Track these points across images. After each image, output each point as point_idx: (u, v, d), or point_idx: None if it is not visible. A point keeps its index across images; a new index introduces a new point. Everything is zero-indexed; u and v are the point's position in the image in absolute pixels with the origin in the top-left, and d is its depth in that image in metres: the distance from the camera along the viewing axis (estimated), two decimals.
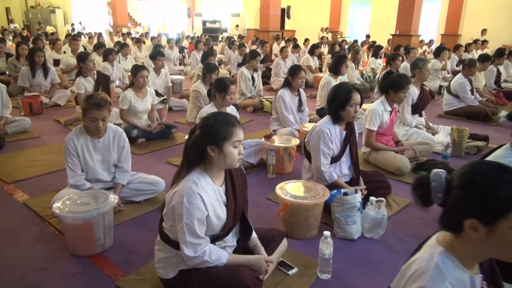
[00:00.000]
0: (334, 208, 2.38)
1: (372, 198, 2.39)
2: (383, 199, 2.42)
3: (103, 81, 5.03)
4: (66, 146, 2.56)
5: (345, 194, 2.40)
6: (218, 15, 22.18)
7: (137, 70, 4.07)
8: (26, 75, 5.62)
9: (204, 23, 21.45)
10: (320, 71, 9.07)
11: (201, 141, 1.68)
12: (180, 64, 10.77)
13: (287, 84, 4.27)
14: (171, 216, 1.70)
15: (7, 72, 7.01)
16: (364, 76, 8.19)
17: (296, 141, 3.48)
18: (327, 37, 15.87)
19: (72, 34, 15.43)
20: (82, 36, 14.21)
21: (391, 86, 3.48)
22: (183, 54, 11.74)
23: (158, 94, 4.98)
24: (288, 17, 20.51)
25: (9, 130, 4.35)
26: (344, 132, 2.72)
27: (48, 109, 5.63)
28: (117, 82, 6.65)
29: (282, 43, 12.86)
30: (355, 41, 14.97)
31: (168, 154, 3.94)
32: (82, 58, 4.81)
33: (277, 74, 7.73)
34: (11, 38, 13.14)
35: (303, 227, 2.36)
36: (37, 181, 3.18)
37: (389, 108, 3.56)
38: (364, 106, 4.91)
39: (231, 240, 1.87)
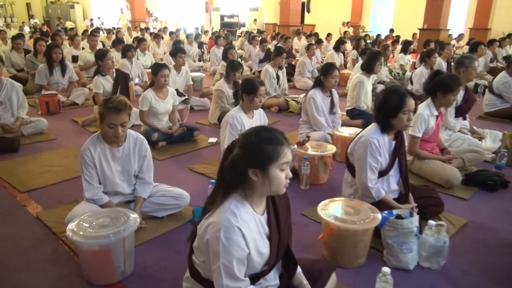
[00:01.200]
0: (386, 233, 2.06)
1: (431, 222, 2.06)
2: (443, 223, 2.07)
3: (122, 80, 4.79)
4: (82, 156, 2.31)
5: (399, 216, 2.08)
6: (236, 10, 21.83)
7: (158, 68, 3.80)
8: (43, 72, 5.43)
9: (222, 17, 21.14)
10: (345, 67, 8.67)
11: (241, 163, 1.38)
12: (199, 60, 10.51)
13: (319, 84, 3.94)
14: (204, 251, 1.41)
15: (25, 69, 6.87)
16: (393, 73, 7.76)
17: (332, 149, 3.15)
18: (349, 32, 15.39)
19: (91, 29, 15.40)
20: (101, 32, 14.07)
21: (440, 87, 3.10)
22: (202, 49, 11.47)
23: (179, 93, 4.71)
24: (308, 11, 19.99)
25: (25, 132, 4.16)
26: (394, 143, 2.38)
27: (66, 108, 5.44)
28: (136, 80, 6.42)
29: (303, 39, 12.48)
30: (379, 35, 14.43)
31: (191, 159, 3.67)
32: (101, 55, 4.57)
33: (302, 73, 7.36)
34: (27, 31, 13.08)
35: (350, 255, 2.04)
36: (52, 190, 2.95)
37: (435, 112, 3.19)
38: None
39: (273, 278, 1.57)
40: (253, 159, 1.37)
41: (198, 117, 5.12)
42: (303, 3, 16.07)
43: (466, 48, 12.00)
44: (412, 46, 8.40)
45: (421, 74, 5.84)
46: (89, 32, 13.57)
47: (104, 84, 4.62)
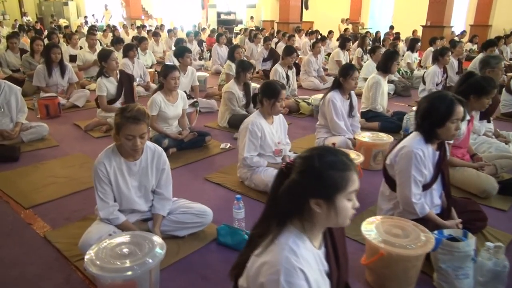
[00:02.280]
0: (438, 256, 1.86)
1: (490, 244, 1.85)
2: (501, 244, 1.87)
3: (126, 82, 4.54)
4: (96, 172, 2.08)
5: (453, 238, 1.88)
6: (233, 7, 21.52)
7: (168, 70, 3.56)
8: (42, 74, 5.16)
9: (218, 14, 20.80)
10: None
11: (302, 192, 1.17)
12: (199, 59, 10.25)
13: (338, 86, 3.73)
14: None
15: (21, 69, 6.58)
16: (401, 71, 7.57)
17: (360, 157, 2.94)
18: (349, 29, 15.19)
19: (86, 27, 15.04)
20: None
21: (474, 90, 2.90)
22: (202, 48, 11.20)
23: (187, 96, 4.48)
24: (306, 8, 19.72)
25: (24, 138, 3.90)
26: (437, 153, 2.18)
27: (66, 111, 5.18)
28: (138, 80, 6.16)
29: (303, 36, 12.24)
30: (378, 32, 14.24)
31: (205, 167, 3.44)
32: (104, 56, 4.31)
33: (308, 72, 7.13)
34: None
35: (400, 282, 1.84)
36: (58, 205, 2.71)
37: (467, 117, 3.00)
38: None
39: None
40: (317, 188, 1.16)
41: (206, 120, 4.88)
42: (301, 0, 15.83)
43: (469, 45, 11.88)
44: (419, 44, 8.20)
45: (434, 73, 5.65)
46: (83, 30, 13.29)
47: (108, 86, 4.37)
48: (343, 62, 8.01)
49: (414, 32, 13.17)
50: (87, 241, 1.96)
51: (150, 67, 7.65)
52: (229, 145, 3.93)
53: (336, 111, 3.67)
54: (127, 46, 6.26)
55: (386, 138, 3.43)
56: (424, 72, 5.98)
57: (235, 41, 13.50)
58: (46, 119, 4.77)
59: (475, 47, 11.70)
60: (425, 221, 2.08)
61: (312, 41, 11.20)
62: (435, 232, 1.91)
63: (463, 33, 12.52)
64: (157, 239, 1.80)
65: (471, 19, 15.44)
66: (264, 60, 8.35)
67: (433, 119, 2.06)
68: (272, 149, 3.00)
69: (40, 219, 2.51)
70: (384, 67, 4.47)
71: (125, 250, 1.70)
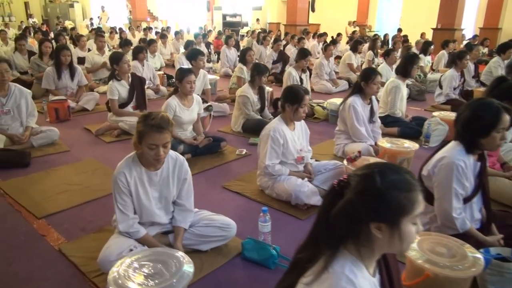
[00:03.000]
0: (486, 277, 1.72)
1: None
2: None
3: (138, 85, 4.43)
4: (116, 182, 1.95)
5: (501, 258, 1.74)
6: (238, 9, 21.44)
7: (183, 74, 3.43)
8: (51, 76, 5.05)
9: (224, 17, 20.71)
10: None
11: (361, 214, 1.04)
12: (207, 61, 10.13)
13: (358, 90, 3.60)
14: None
15: (29, 72, 6.49)
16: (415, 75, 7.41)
17: None
18: (357, 31, 15.06)
19: (91, 28, 14.98)
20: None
21: (509, 96, 2.76)
22: (209, 50, 11.09)
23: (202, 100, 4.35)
24: (313, 10, 19.60)
25: (35, 143, 3.79)
26: (479, 164, 2.05)
27: (75, 114, 5.07)
28: (147, 83, 6.04)
29: (311, 39, 12.10)
30: (386, 35, 14.12)
31: (222, 175, 3.31)
32: (116, 59, 4.19)
33: (320, 75, 7.00)
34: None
35: None
36: (72, 215, 2.59)
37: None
38: (444, 114, 4.19)
39: None
40: (380, 210, 1.03)
41: (218, 124, 4.76)
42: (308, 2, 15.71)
43: (480, 49, 11.70)
44: (432, 47, 8.06)
45: (451, 77, 5.52)
46: (89, 32, 13.24)
47: (120, 89, 4.25)
48: (355, 65, 7.90)
49: (423, 34, 13.01)
50: (106, 257, 1.84)
51: (159, 70, 7.55)
52: (245, 151, 3.80)
53: (357, 116, 3.54)
54: (136, 48, 6.16)
55: (411, 145, 3.28)
56: (441, 76, 5.84)
57: (242, 43, 13.41)
58: (56, 122, 4.66)
59: (485, 50, 11.54)
60: (466, 237, 1.94)
61: (320, 44, 11.12)
62: (481, 250, 1.78)
63: (475, 37, 12.34)
64: (184, 257, 1.67)
65: (480, 22, 15.29)
66: (274, 62, 8.23)
67: (477, 128, 1.92)
68: (294, 157, 2.87)
69: (54, 230, 2.39)
70: (404, 71, 4.33)
71: (151, 270, 1.57)
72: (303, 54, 5.30)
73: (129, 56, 6.08)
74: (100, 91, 6.09)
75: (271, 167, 2.76)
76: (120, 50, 7.48)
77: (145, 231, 2.02)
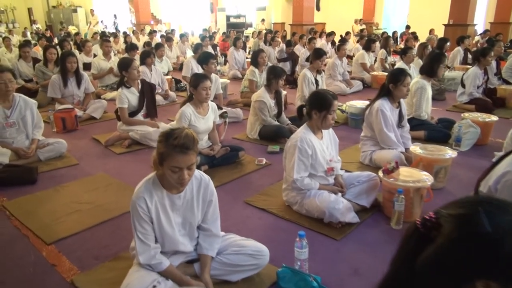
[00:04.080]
0: None
1: None
2: None
3: (148, 92, 4.21)
4: (135, 208, 1.72)
5: None
6: (242, 9, 21.21)
7: (198, 80, 3.20)
8: (57, 84, 4.85)
9: (228, 18, 20.53)
10: None
11: (463, 269, 0.79)
12: None
13: (386, 93, 3.35)
14: None
15: (34, 79, 6.30)
16: None
17: (428, 177, 2.54)
18: (365, 30, 14.76)
19: (94, 33, 14.79)
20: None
21: None
22: (216, 52, 10.87)
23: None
24: (318, 9, 19.29)
25: (41, 156, 3.57)
26: None
27: (83, 123, 4.85)
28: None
29: (318, 39, 11.83)
30: (395, 32, 13.82)
31: (243, 188, 3.07)
32: (125, 65, 3.97)
33: (333, 76, 6.74)
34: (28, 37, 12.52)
35: None
36: (84, 239, 2.36)
37: None
38: (474, 115, 3.90)
39: None
40: (491, 265, 0.78)
41: (233, 131, 4.51)
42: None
43: (501, 44, 11.36)
44: (448, 44, 7.76)
45: (475, 75, 5.25)
46: (91, 37, 13.04)
47: (129, 97, 4.03)
48: (368, 65, 7.65)
49: (431, 31, 12.70)
50: None
51: (167, 74, 7.34)
52: (265, 160, 3.56)
53: (386, 121, 3.29)
54: (144, 53, 5.95)
55: (449, 151, 3.00)
56: (463, 74, 5.56)
57: (249, 44, 13.17)
58: (63, 133, 4.46)
59: None
60: None
61: (329, 43, 10.86)
62: None
63: (486, 33, 12.02)
64: None
65: (491, 16, 14.93)
66: (283, 60, 8.00)
67: None
68: (324, 168, 2.62)
69: (65, 258, 2.16)
70: (430, 70, 4.07)
71: None
72: (318, 54, 5.05)
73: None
74: (107, 98, 5.89)
75: (300, 181, 2.51)
76: (126, 55, 7.28)
77: (169, 263, 1.79)
